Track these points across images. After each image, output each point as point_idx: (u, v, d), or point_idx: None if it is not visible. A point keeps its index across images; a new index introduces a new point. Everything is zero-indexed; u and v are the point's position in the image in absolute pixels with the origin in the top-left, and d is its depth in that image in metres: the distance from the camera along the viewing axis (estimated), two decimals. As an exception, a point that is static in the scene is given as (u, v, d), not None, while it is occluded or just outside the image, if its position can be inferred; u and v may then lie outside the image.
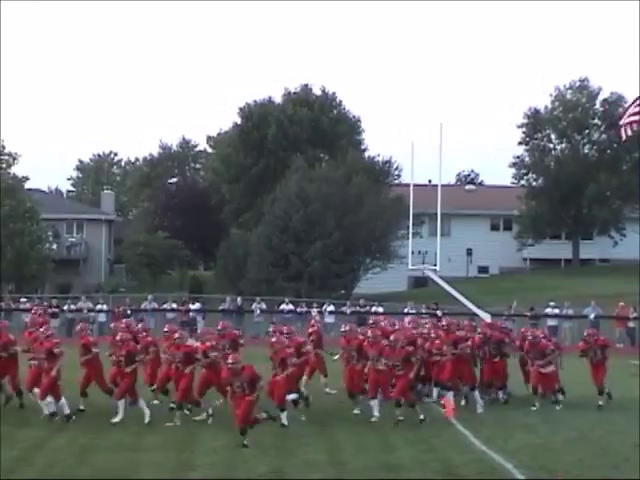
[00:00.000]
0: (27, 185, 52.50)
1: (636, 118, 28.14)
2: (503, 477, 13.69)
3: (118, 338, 18.37)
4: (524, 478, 13.54)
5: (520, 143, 62.72)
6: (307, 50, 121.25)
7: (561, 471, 13.78)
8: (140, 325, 22.62)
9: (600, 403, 19.91)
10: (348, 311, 38.34)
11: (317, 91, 61.99)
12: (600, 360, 20.23)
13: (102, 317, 38.56)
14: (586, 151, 62.21)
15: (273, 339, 18.52)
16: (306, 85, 62.26)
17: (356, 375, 19.21)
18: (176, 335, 18.46)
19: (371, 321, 23.09)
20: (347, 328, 20.35)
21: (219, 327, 20.61)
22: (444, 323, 21.94)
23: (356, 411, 18.84)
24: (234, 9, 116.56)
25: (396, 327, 22.21)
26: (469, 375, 20.06)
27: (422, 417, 17.61)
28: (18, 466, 14.02)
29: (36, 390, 18.12)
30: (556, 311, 38.08)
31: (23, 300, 39.51)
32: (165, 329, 19.65)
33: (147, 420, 17.45)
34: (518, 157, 62.97)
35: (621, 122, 30.24)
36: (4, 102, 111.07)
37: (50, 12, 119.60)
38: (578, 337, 37.38)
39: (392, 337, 18.65)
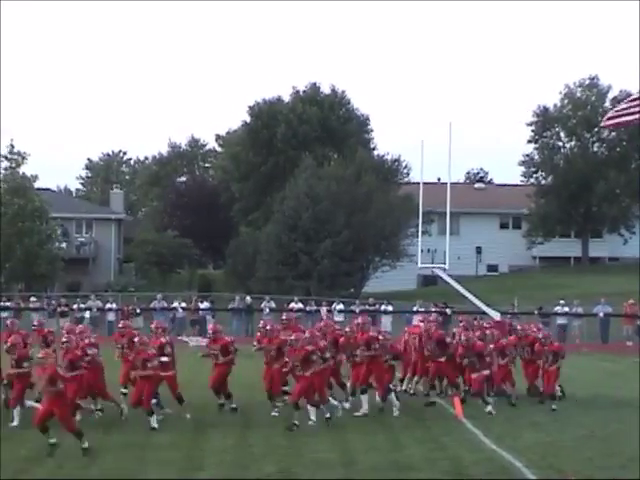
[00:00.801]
0: (36, 184, 52.29)
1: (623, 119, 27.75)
2: (513, 476, 13.64)
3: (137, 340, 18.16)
4: (534, 477, 13.50)
5: (529, 141, 62.69)
6: (316, 49, 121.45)
7: (570, 470, 13.75)
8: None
9: (554, 407, 19.45)
10: (357, 309, 38.29)
11: (326, 90, 62.02)
12: (550, 365, 19.97)
13: (111, 316, 38.62)
14: (595, 149, 62.15)
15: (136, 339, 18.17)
16: (315, 84, 62.27)
17: (276, 375, 18.80)
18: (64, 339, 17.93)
19: (283, 317, 21.28)
20: (268, 327, 19.71)
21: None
22: (359, 321, 20.18)
23: (274, 413, 18.39)
24: (243, 8, 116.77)
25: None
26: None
27: (314, 420, 17.24)
28: (28, 466, 14.05)
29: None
30: (566, 309, 37.99)
31: (33, 299, 39.66)
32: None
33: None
34: (527, 155, 62.97)
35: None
36: (13, 101, 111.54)
37: (58, 11, 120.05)
38: (587, 335, 37.61)
39: (293, 336, 18.20)
